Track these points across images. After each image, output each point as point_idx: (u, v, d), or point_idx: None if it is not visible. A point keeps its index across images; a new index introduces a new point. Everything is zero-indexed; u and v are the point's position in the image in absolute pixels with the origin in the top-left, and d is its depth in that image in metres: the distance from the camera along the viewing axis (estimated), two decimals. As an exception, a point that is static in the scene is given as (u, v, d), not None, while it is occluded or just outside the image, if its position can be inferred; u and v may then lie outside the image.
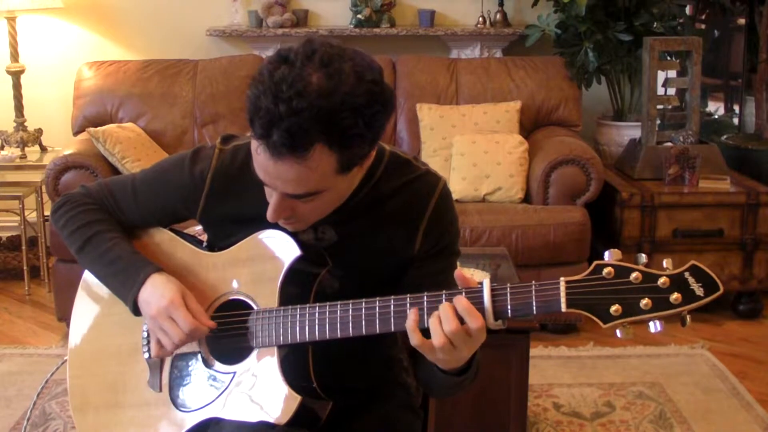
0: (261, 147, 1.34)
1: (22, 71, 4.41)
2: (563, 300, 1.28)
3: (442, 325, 1.33)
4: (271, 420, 1.46)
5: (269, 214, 1.43)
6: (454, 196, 3.82)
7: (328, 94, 1.30)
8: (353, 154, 1.37)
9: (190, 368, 1.58)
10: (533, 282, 1.32)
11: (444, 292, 1.36)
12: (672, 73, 4.59)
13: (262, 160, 1.36)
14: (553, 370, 3.40)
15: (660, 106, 4.19)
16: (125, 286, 1.58)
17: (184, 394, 1.57)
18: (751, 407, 3.12)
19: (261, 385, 1.49)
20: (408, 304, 1.38)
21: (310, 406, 1.47)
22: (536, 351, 3.50)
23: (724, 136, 4.59)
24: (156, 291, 1.54)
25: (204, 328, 1.52)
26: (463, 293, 1.34)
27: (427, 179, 1.57)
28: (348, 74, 1.32)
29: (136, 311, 1.57)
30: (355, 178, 1.45)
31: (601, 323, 1.28)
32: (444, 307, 1.33)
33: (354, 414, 1.62)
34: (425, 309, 1.37)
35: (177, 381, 1.59)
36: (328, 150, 1.33)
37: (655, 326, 1.26)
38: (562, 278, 1.30)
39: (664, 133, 4.19)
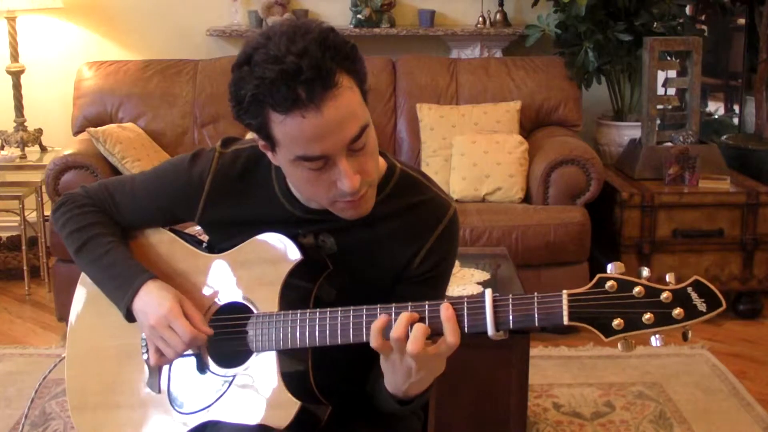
0: (299, 111, 1.31)
1: (22, 71, 4.41)
2: (566, 313, 1.29)
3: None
4: (271, 424, 1.45)
5: (348, 183, 1.37)
6: (454, 197, 3.91)
7: (326, 36, 1.33)
8: (364, 84, 1.39)
9: (189, 370, 1.58)
10: (535, 294, 1.31)
11: (440, 301, 1.36)
12: (672, 73, 4.59)
13: (309, 124, 1.32)
14: (553, 370, 3.40)
15: (660, 106, 4.19)
16: (119, 292, 1.57)
17: (183, 396, 1.57)
18: (751, 407, 3.12)
19: (260, 389, 1.48)
20: (408, 312, 1.37)
21: (309, 411, 1.47)
22: (536, 351, 3.50)
23: (724, 136, 4.59)
24: (152, 300, 1.53)
25: (203, 335, 1.52)
26: (465, 303, 1.33)
27: (438, 202, 1.55)
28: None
29: (130, 317, 1.57)
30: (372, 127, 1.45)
31: (603, 337, 1.28)
32: (418, 327, 1.34)
33: (354, 418, 1.61)
34: (426, 318, 1.36)
35: (176, 383, 1.58)
36: (348, 76, 1.34)
37: (656, 340, 1.28)
38: (564, 291, 1.30)
39: (664, 133, 4.19)
